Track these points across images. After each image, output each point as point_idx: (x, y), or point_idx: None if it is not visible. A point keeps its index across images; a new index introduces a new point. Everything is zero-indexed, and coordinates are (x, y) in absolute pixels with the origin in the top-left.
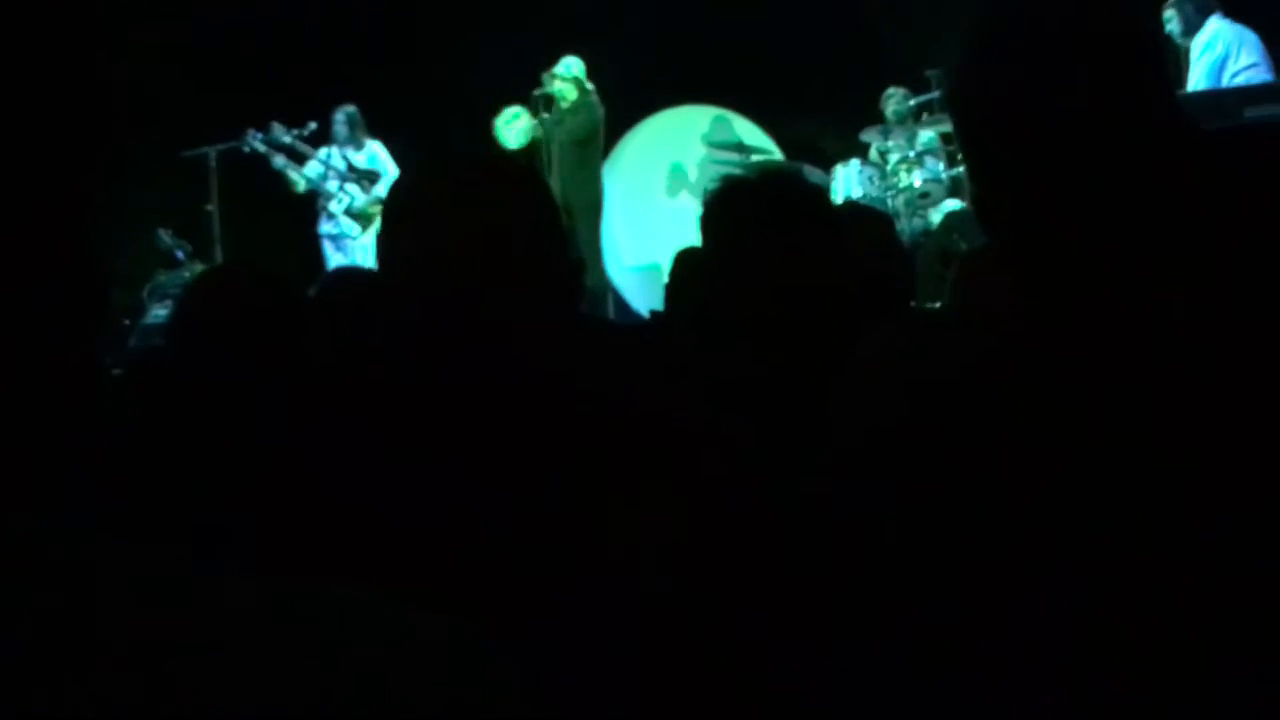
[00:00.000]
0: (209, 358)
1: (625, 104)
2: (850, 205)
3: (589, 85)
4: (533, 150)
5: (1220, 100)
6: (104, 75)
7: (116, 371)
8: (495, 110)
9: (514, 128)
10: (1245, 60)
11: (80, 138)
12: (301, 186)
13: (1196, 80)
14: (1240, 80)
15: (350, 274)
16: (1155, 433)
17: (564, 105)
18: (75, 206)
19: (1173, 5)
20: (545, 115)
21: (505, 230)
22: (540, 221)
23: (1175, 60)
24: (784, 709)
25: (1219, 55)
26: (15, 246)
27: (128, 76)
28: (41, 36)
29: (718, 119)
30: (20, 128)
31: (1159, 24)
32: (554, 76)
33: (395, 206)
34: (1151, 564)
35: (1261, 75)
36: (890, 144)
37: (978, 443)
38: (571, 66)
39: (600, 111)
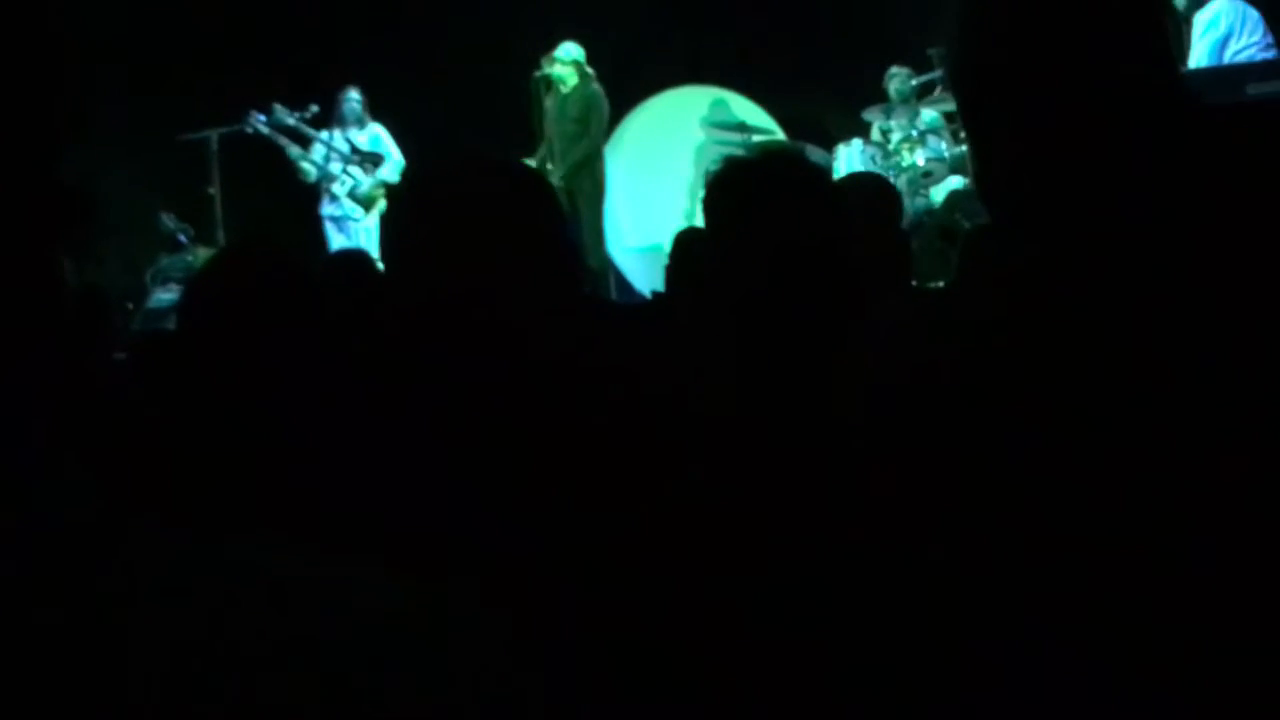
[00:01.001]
0: (226, 334)
1: (627, 85)
2: (852, 178)
3: (589, 70)
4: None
5: (1222, 76)
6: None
7: (120, 355)
8: (496, 94)
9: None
10: (1247, 39)
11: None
12: (313, 176)
13: (1198, 57)
14: (1243, 58)
15: (352, 256)
16: (1159, 409)
17: (564, 89)
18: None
19: None
20: (546, 98)
21: (506, 226)
22: (544, 224)
23: (1177, 33)
24: (779, 691)
25: (1221, 33)
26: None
27: (126, 59)
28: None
29: (719, 99)
30: None
31: None
32: (554, 60)
33: (400, 207)
34: (1158, 552)
35: (1263, 53)
36: (893, 123)
37: (983, 421)
38: (571, 51)
39: (600, 95)
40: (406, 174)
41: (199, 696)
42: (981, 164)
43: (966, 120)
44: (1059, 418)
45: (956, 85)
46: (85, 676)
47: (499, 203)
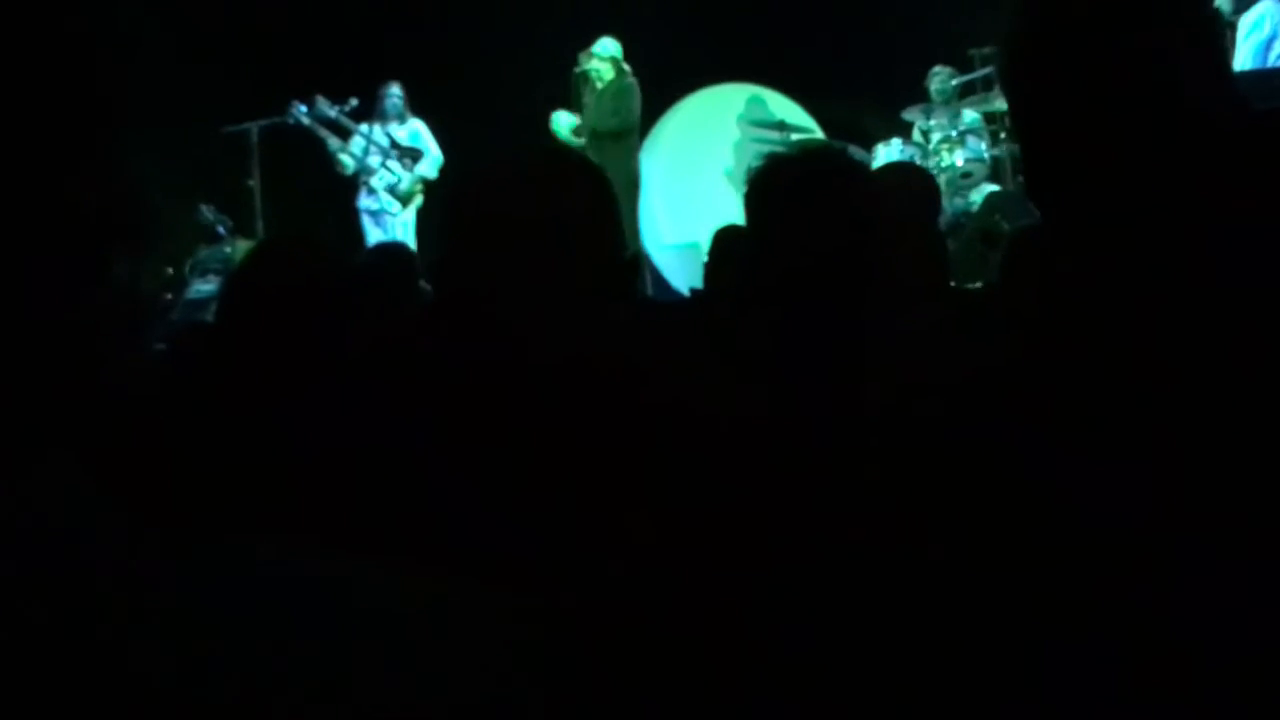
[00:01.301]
0: (265, 327)
1: (664, 83)
2: (889, 168)
3: (625, 66)
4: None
5: (1268, 80)
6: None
7: (160, 346)
8: (534, 90)
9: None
10: None
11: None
12: (351, 168)
13: (1242, 60)
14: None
15: (392, 249)
16: (1208, 418)
17: (600, 85)
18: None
19: None
20: (583, 95)
21: (566, 224)
22: (599, 212)
23: (1223, 36)
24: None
25: (1266, 35)
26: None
27: (167, 52)
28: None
29: (758, 97)
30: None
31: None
32: (591, 55)
33: (465, 199)
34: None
35: None
36: (932, 123)
37: (1028, 423)
38: (608, 47)
39: (636, 92)
40: (457, 182)
41: (200, 695)
42: (1033, 166)
43: (1019, 123)
44: (1104, 423)
45: (1009, 87)
46: (83, 676)
47: (549, 201)
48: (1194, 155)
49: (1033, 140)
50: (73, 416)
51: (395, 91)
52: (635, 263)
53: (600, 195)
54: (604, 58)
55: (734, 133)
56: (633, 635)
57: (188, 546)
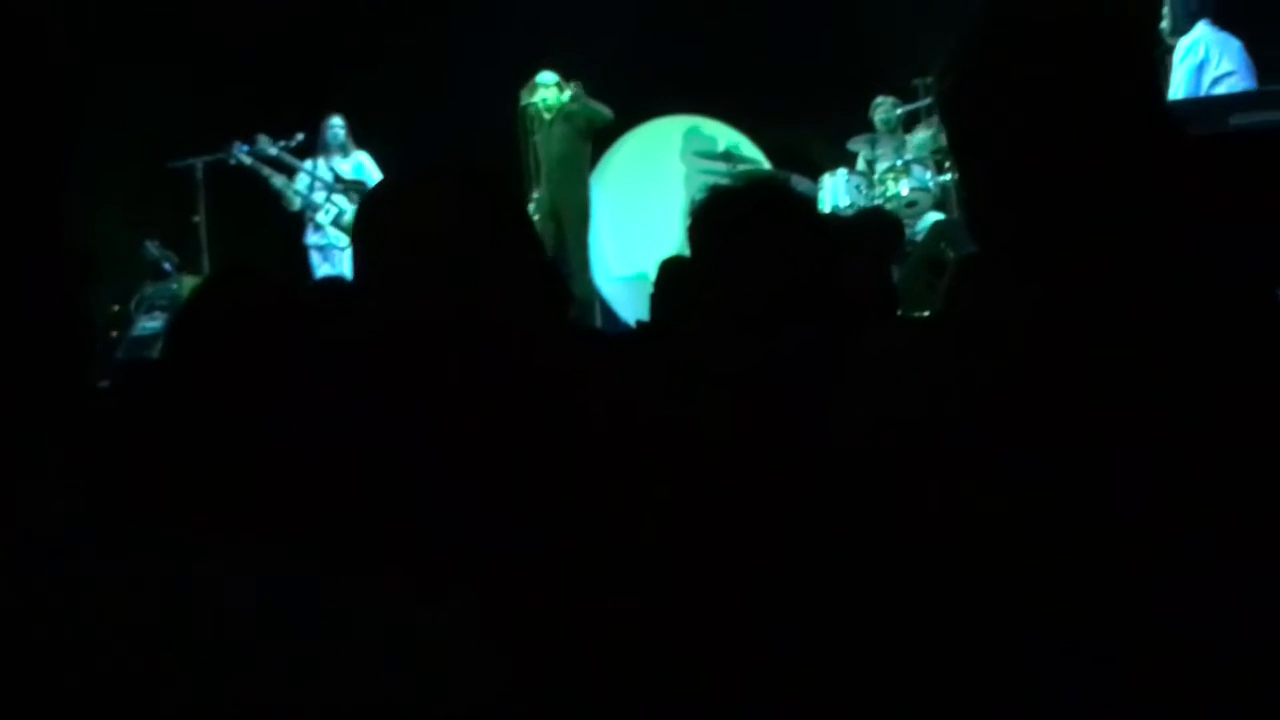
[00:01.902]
0: (213, 362)
1: (612, 114)
2: (863, 214)
3: (568, 92)
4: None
5: (1206, 107)
6: (61, 83)
7: (103, 383)
8: (476, 120)
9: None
10: (1225, 67)
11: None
12: (297, 205)
13: (1176, 83)
14: (1222, 88)
15: (337, 283)
16: (1150, 436)
17: (548, 116)
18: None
19: (1166, 2)
20: (531, 128)
21: (472, 236)
22: (506, 225)
23: (1163, 59)
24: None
25: (1199, 59)
26: None
27: (112, 88)
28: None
29: (704, 129)
30: None
31: (1151, 22)
32: (535, 86)
33: (366, 220)
34: (1156, 576)
35: (1241, 83)
36: (878, 153)
37: (979, 447)
38: (548, 78)
39: (583, 120)
40: (369, 192)
41: (189, 700)
42: (970, 194)
43: (955, 151)
44: (1056, 446)
45: (945, 116)
46: (70, 682)
47: (459, 210)
48: (1126, 183)
49: (970, 169)
50: (63, 423)
51: (337, 124)
52: (559, 272)
53: (484, 205)
54: (549, 85)
55: (681, 164)
56: (601, 652)
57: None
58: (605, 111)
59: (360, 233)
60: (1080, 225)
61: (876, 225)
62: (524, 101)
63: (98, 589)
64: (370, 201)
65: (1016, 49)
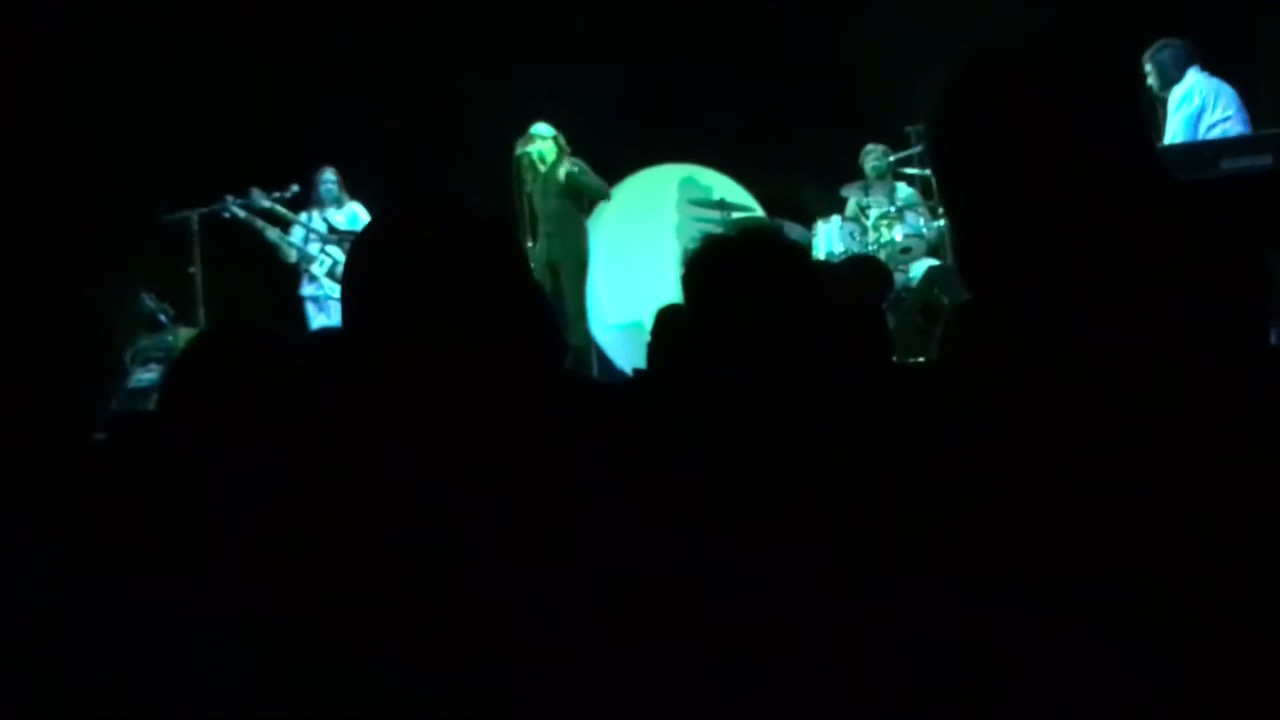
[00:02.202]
0: (205, 417)
1: (605, 164)
2: (851, 261)
3: (565, 146)
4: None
5: (1197, 152)
6: (79, 139)
7: (99, 435)
8: (469, 172)
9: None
10: (1221, 113)
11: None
12: (293, 257)
13: (1174, 132)
14: (1217, 132)
15: (332, 335)
16: (1140, 485)
17: (543, 167)
18: (65, 262)
19: (1151, 59)
20: (526, 178)
21: (472, 284)
22: (504, 268)
23: (1151, 110)
24: None
25: (1196, 107)
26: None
27: (110, 140)
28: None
29: (698, 177)
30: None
31: (1138, 75)
32: (532, 138)
33: (358, 265)
34: (1145, 632)
35: (1237, 127)
36: (870, 199)
37: (964, 498)
38: (544, 129)
39: (587, 169)
40: (362, 231)
41: None
42: (961, 241)
43: (946, 199)
44: (1043, 495)
45: (936, 164)
46: None
47: (456, 250)
48: (1116, 229)
49: (962, 218)
50: (50, 470)
51: (330, 177)
52: (556, 323)
53: (474, 234)
54: (546, 137)
55: (675, 213)
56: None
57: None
58: (604, 190)
59: (355, 272)
60: (1065, 274)
61: (865, 272)
62: (519, 151)
63: (59, 642)
64: (365, 240)
65: (1005, 98)
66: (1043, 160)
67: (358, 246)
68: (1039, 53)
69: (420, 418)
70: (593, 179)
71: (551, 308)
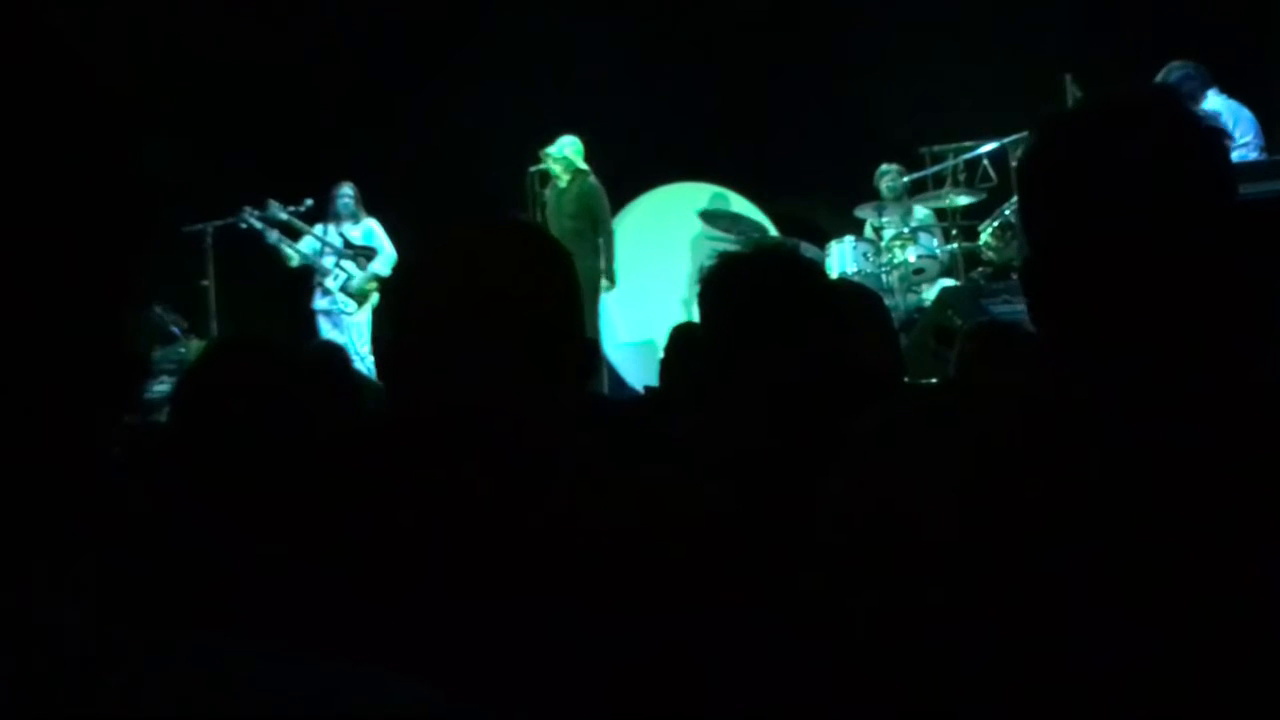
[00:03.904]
0: (218, 429)
1: (622, 181)
2: (841, 282)
3: (584, 165)
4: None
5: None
6: (142, 161)
7: (115, 449)
8: (492, 188)
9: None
10: (1240, 138)
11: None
12: (295, 261)
13: None
14: (1235, 156)
15: (326, 348)
16: (1194, 517)
17: (561, 184)
18: (115, 289)
19: (1174, 79)
20: (543, 192)
21: (522, 302)
22: (559, 290)
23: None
24: None
25: None
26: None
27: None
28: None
29: (712, 195)
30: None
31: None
32: (549, 155)
33: (402, 281)
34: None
35: (1256, 153)
36: (884, 220)
37: (993, 522)
38: (565, 147)
39: (602, 192)
40: (401, 260)
41: None
42: (1039, 260)
43: (1027, 221)
44: (1083, 523)
45: (1030, 198)
46: None
47: (504, 283)
48: (1210, 266)
49: (1043, 254)
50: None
51: (347, 191)
52: (592, 346)
53: (544, 267)
54: (560, 157)
55: (688, 231)
56: None
57: (155, 646)
58: (610, 225)
59: (398, 290)
60: (1161, 310)
61: (858, 297)
62: (539, 165)
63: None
64: (414, 261)
65: (1092, 137)
66: (1139, 196)
67: (418, 268)
68: (1146, 100)
69: (462, 440)
70: (607, 214)
71: (593, 341)
